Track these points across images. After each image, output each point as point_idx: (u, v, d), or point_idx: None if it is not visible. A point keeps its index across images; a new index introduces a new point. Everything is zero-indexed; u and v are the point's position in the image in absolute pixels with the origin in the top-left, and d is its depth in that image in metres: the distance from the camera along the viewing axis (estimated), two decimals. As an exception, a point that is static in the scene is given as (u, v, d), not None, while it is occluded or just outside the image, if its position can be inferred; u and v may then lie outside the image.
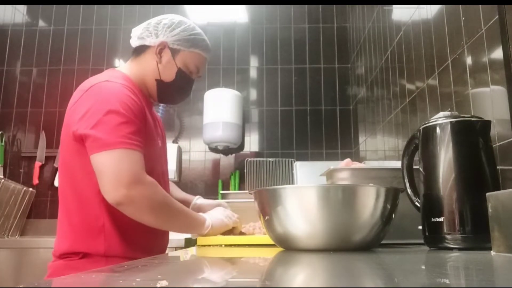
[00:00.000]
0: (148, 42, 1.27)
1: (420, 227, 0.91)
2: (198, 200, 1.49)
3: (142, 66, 1.28)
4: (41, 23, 3.04)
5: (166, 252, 1.34)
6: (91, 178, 1.11)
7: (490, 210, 0.72)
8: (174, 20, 1.29)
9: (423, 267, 0.60)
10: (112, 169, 1.06)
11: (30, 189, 2.66)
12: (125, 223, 1.13)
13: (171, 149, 2.54)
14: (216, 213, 1.33)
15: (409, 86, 1.73)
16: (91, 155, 1.08)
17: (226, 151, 2.82)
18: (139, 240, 1.18)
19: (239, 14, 3.07)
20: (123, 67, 1.33)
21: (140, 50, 1.30)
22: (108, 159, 1.06)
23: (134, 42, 1.31)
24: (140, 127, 1.14)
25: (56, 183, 2.75)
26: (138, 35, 1.29)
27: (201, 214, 1.28)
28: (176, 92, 1.32)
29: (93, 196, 1.13)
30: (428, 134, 0.91)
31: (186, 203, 1.40)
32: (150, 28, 1.28)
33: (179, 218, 1.18)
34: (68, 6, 3.05)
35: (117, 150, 1.06)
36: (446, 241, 0.83)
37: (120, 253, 1.15)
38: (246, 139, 2.88)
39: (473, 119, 0.88)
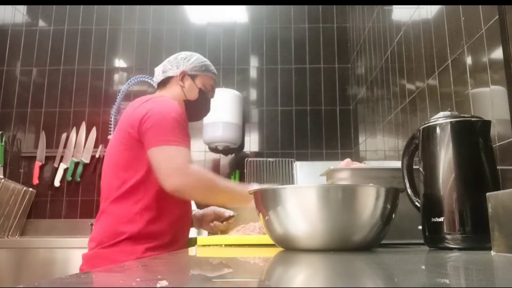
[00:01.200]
0: (171, 74, 1.56)
1: (420, 227, 0.91)
2: (194, 214, 1.64)
3: (170, 93, 1.55)
4: (41, 23, 3.04)
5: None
6: (141, 170, 1.34)
7: (490, 210, 0.72)
8: (187, 53, 1.60)
9: (423, 267, 0.60)
10: (167, 161, 1.31)
11: (30, 189, 2.66)
12: (161, 206, 1.35)
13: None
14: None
15: (409, 86, 1.73)
16: (150, 149, 1.32)
17: (226, 151, 2.82)
18: (168, 229, 1.38)
19: (239, 14, 3.07)
20: (164, 93, 1.57)
21: (165, 82, 1.57)
22: (164, 153, 1.32)
23: (159, 77, 1.58)
24: (187, 130, 1.43)
25: (56, 183, 2.75)
26: (162, 70, 1.58)
27: (245, 186, 1.43)
28: (201, 108, 1.60)
29: (138, 184, 1.34)
30: (428, 134, 0.90)
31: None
32: (171, 63, 1.57)
33: (225, 194, 1.41)
34: (68, 6, 3.05)
35: (171, 146, 1.32)
36: (446, 241, 0.83)
37: (149, 233, 1.33)
38: (246, 139, 2.88)
39: (473, 119, 0.88)
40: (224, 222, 1.54)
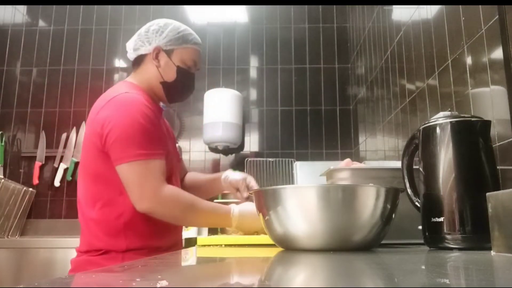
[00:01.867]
0: (143, 51, 1.35)
1: (420, 227, 0.91)
2: (227, 175, 1.50)
3: (145, 74, 1.36)
4: (41, 23, 3.04)
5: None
6: (113, 181, 1.20)
7: (490, 210, 0.72)
8: (160, 24, 1.36)
9: (423, 267, 0.60)
10: (136, 182, 1.17)
11: (30, 189, 2.66)
12: (146, 219, 1.22)
13: (171, 149, 2.54)
14: (247, 205, 1.33)
15: (409, 86, 1.73)
16: (117, 166, 1.18)
17: (226, 151, 2.82)
18: (161, 228, 1.27)
19: (239, 14, 3.07)
20: (130, 79, 1.40)
21: (139, 61, 1.37)
22: (130, 171, 1.17)
23: (131, 55, 1.38)
24: (158, 135, 1.25)
25: (56, 183, 2.75)
26: (132, 47, 1.37)
27: (229, 206, 1.30)
28: (181, 89, 1.39)
29: (116, 196, 1.22)
30: (428, 134, 0.90)
31: (216, 182, 1.51)
32: (142, 38, 1.35)
33: (205, 218, 1.29)
34: (68, 6, 3.05)
35: (137, 161, 1.17)
36: (446, 241, 0.83)
37: (140, 246, 1.23)
38: (246, 139, 2.88)
39: (473, 119, 0.88)
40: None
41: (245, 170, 2.70)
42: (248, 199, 1.43)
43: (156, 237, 1.27)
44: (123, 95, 1.25)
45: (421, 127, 0.93)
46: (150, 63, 1.35)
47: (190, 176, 1.59)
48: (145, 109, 1.23)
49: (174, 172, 1.35)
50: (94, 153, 1.23)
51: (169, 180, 1.28)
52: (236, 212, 1.28)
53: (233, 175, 1.50)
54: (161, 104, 1.46)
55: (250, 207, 1.30)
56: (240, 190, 1.46)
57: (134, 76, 1.39)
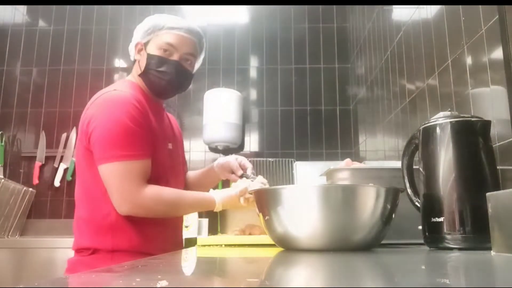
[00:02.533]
0: (132, 54, 1.37)
1: (420, 227, 0.91)
2: (218, 161, 1.52)
3: (134, 71, 1.37)
4: (41, 23, 3.04)
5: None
6: (99, 180, 1.19)
7: (490, 210, 0.72)
8: (142, 23, 1.34)
9: (423, 267, 0.60)
10: (116, 184, 1.16)
11: (30, 189, 2.66)
12: (134, 221, 1.21)
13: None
14: (225, 191, 1.34)
15: (409, 86, 1.73)
16: (99, 166, 1.18)
17: (226, 151, 2.82)
18: (149, 234, 1.25)
19: (239, 14, 3.07)
20: (128, 77, 1.41)
21: (134, 61, 1.38)
22: (111, 172, 1.16)
23: (132, 59, 1.40)
24: (143, 135, 1.20)
25: (56, 183, 2.75)
26: (130, 55, 1.38)
27: (209, 194, 1.32)
28: (159, 77, 1.30)
29: (101, 195, 1.20)
30: (428, 134, 0.90)
31: (211, 172, 1.53)
32: (131, 43, 1.37)
33: (190, 210, 1.34)
34: (68, 6, 3.05)
35: (117, 163, 1.15)
36: (446, 241, 0.83)
37: (128, 248, 1.21)
38: (246, 139, 2.88)
39: (473, 119, 0.88)
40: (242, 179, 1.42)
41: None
42: (242, 176, 1.44)
43: (144, 241, 1.23)
44: (110, 93, 1.23)
45: (421, 127, 0.93)
46: (136, 62, 1.35)
47: (189, 175, 1.60)
48: (131, 108, 1.19)
49: (167, 171, 1.31)
50: (82, 151, 1.24)
51: (158, 180, 1.24)
52: (218, 199, 1.29)
53: (223, 158, 1.52)
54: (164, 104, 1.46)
55: (227, 192, 1.31)
56: (233, 170, 1.47)
57: (133, 74, 1.39)
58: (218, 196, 1.30)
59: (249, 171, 1.47)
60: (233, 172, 1.48)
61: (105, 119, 1.18)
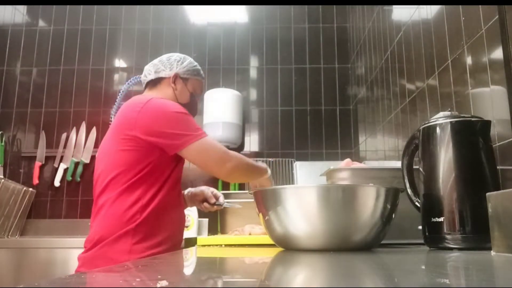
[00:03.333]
0: (163, 75, 1.54)
1: (420, 227, 0.91)
2: (189, 190, 1.68)
3: (161, 93, 1.53)
4: (41, 23, 3.04)
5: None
6: (137, 171, 1.34)
7: (490, 210, 0.72)
8: (181, 56, 1.60)
9: (423, 267, 0.60)
10: (211, 154, 1.37)
11: (30, 189, 2.66)
12: (153, 222, 1.34)
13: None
14: None
15: (409, 86, 1.73)
16: (184, 148, 1.34)
17: (226, 151, 2.82)
18: (167, 226, 1.39)
19: (239, 14, 3.07)
20: (158, 94, 1.55)
21: (156, 82, 1.55)
22: (202, 147, 1.36)
23: (150, 76, 1.56)
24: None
25: (56, 183, 2.75)
26: (154, 70, 1.56)
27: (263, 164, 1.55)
28: (190, 111, 1.54)
29: (131, 199, 1.33)
30: (428, 134, 0.91)
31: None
32: (164, 63, 1.56)
33: (256, 172, 1.50)
34: (68, 6, 3.05)
35: (202, 139, 1.36)
36: (446, 241, 0.83)
37: (146, 239, 1.33)
38: (246, 139, 2.88)
39: (473, 119, 0.88)
40: (214, 207, 1.61)
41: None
42: (215, 204, 1.62)
43: (165, 226, 1.38)
44: (159, 99, 1.43)
45: (421, 127, 0.93)
46: (167, 85, 1.54)
47: None
48: (181, 106, 1.42)
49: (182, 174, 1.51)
50: (129, 144, 1.35)
51: (179, 180, 1.46)
52: (269, 171, 1.53)
53: (195, 188, 1.68)
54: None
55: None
56: (207, 198, 1.63)
57: (151, 94, 1.54)
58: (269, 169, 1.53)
59: (221, 200, 1.64)
60: (204, 201, 1.64)
61: (171, 112, 1.37)
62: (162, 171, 1.37)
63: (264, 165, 1.54)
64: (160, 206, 1.35)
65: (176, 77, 1.54)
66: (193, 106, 1.59)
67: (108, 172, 1.38)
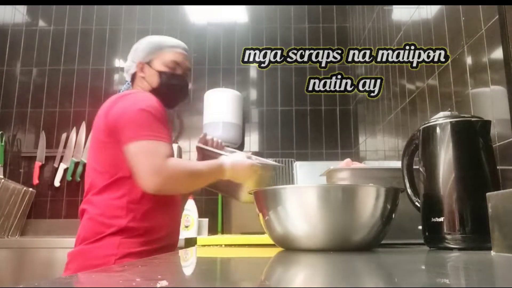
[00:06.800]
0: (132, 71, 1.50)
1: (420, 227, 0.91)
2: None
3: (139, 88, 1.49)
4: (41, 23, 3.04)
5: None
6: (120, 168, 1.30)
7: (490, 210, 0.72)
8: (139, 42, 1.53)
9: (423, 267, 0.60)
10: (143, 161, 1.25)
11: (30, 189, 2.66)
12: (145, 218, 1.32)
13: (171, 149, 2.54)
14: (236, 156, 1.45)
15: (409, 86, 1.73)
16: (126, 145, 1.27)
17: (226, 151, 2.82)
18: (157, 224, 1.35)
19: (239, 14, 3.07)
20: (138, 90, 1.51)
21: (132, 79, 1.52)
22: (140, 149, 1.26)
23: (127, 77, 1.53)
24: (166, 124, 1.35)
25: (56, 183, 2.75)
26: (126, 71, 1.53)
27: (219, 160, 1.40)
28: (171, 91, 1.48)
29: (118, 194, 1.31)
30: (428, 134, 0.90)
31: None
32: (129, 61, 1.52)
33: (204, 178, 1.38)
34: (68, 6, 3.05)
35: (147, 141, 1.27)
36: (446, 241, 0.83)
37: (134, 236, 1.30)
38: (246, 139, 2.88)
39: (473, 119, 0.88)
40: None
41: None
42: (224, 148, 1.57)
43: (155, 223, 1.34)
44: (134, 93, 1.40)
45: (421, 127, 0.93)
46: (139, 78, 1.48)
47: None
48: (155, 102, 1.35)
49: None
50: (109, 141, 1.32)
51: None
52: (227, 163, 1.37)
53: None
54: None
55: (240, 157, 1.42)
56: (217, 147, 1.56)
57: (132, 90, 1.48)
58: (227, 161, 1.38)
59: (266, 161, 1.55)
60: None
61: (132, 107, 1.31)
62: None
63: (217, 161, 1.39)
64: (150, 202, 1.32)
65: (141, 65, 1.47)
66: (173, 83, 1.47)
67: (94, 171, 1.36)
